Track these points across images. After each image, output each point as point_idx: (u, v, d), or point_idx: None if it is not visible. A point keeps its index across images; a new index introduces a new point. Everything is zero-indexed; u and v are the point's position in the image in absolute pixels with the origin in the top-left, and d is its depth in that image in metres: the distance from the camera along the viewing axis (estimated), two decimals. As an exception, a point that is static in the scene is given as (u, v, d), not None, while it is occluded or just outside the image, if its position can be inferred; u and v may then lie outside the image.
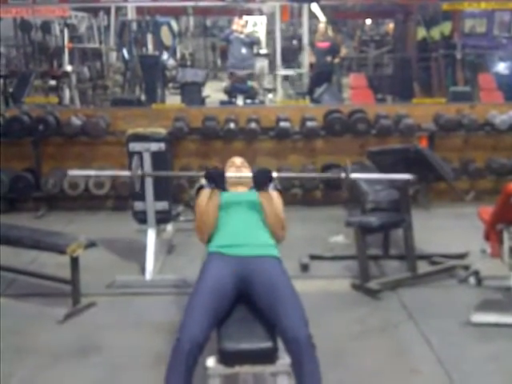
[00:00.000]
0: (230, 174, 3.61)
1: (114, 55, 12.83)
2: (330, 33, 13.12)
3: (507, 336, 3.97)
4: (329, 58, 12.12)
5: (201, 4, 10.96)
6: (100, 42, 13.66)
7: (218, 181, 3.38)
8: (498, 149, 7.08)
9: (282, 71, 11.86)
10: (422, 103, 7.64)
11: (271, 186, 3.90)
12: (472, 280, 4.35)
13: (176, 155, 6.72)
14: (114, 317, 4.35)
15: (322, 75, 11.77)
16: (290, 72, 12.70)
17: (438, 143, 6.92)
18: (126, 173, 3.88)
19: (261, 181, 3.39)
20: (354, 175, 3.79)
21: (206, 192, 3.52)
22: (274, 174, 3.48)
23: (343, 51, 12.91)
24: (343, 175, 3.71)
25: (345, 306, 4.49)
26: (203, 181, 4.04)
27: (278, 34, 11.73)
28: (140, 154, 4.90)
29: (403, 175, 4.24)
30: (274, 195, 3.55)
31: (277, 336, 2.88)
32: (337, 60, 12.41)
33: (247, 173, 3.65)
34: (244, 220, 3.40)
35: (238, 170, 3.75)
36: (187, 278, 4.66)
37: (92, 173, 4.74)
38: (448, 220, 6.35)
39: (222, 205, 3.49)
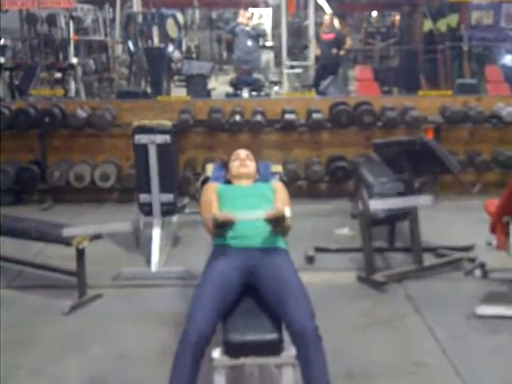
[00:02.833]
0: (240, 217, 3.21)
1: (119, 48, 12.85)
2: (336, 25, 13.07)
3: (513, 328, 3.97)
4: (334, 50, 12.09)
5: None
6: (105, 35, 13.69)
7: (225, 230, 3.21)
8: (504, 141, 7.06)
9: (288, 64, 11.86)
10: (428, 95, 7.61)
11: (276, 177, 3.90)
12: (478, 272, 4.33)
13: (181, 147, 6.72)
14: (119, 308, 4.36)
15: (328, 67, 11.75)
16: (297, 70, 12.64)
17: (444, 135, 6.89)
18: (126, 227, 3.68)
19: (275, 224, 3.20)
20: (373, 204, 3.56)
21: (209, 185, 3.48)
22: (287, 213, 3.13)
23: (348, 43, 12.85)
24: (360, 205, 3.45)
25: (350, 299, 4.49)
26: (208, 173, 4.06)
27: (283, 27, 11.72)
28: (145, 146, 4.92)
29: (425, 198, 4.21)
30: (280, 186, 3.53)
31: (282, 328, 2.88)
32: (342, 52, 12.36)
33: (259, 211, 3.26)
34: (250, 212, 3.39)
35: (242, 162, 3.74)
36: (193, 270, 4.67)
37: (90, 230, 4.48)
38: (454, 212, 6.34)
39: (226, 198, 3.49)
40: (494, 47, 11.79)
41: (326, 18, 12.63)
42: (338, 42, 12.28)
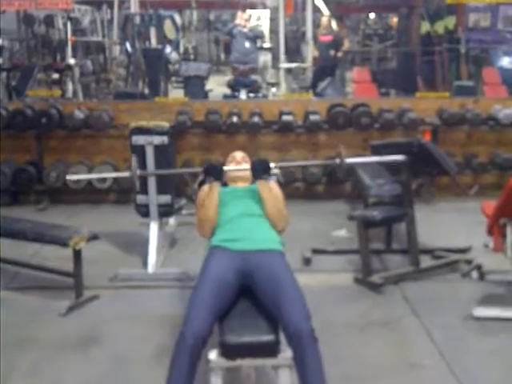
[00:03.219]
0: (229, 167, 3.66)
1: (117, 49, 12.82)
2: (334, 26, 13.07)
3: (509, 330, 3.97)
4: (332, 52, 12.09)
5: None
6: (103, 36, 13.67)
7: (216, 174, 3.42)
8: (501, 143, 7.07)
9: (285, 65, 11.84)
10: (425, 97, 7.63)
11: (273, 178, 3.90)
12: (475, 274, 4.34)
13: (179, 149, 6.72)
14: (116, 310, 4.35)
15: (325, 69, 11.75)
16: (293, 65, 12.65)
17: (441, 137, 6.90)
18: (126, 174, 4.00)
19: (258, 169, 3.41)
20: (348, 160, 3.83)
21: (205, 187, 3.52)
22: (272, 165, 3.50)
23: (346, 44, 12.85)
24: (338, 161, 3.74)
25: (347, 300, 4.49)
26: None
27: (281, 28, 11.72)
28: (142, 147, 4.91)
29: (396, 156, 4.31)
30: (274, 185, 3.55)
31: (279, 329, 2.88)
32: (340, 54, 12.37)
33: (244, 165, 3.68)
34: (246, 214, 3.40)
35: (238, 165, 3.74)
36: (190, 272, 4.67)
37: (91, 176, 4.73)
38: (451, 214, 6.34)
39: (222, 200, 3.49)
40: (492, 49, 11.80)
41: (324, 19, 12.64)
42: (336, 43, 12.29)
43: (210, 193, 3.43)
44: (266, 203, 3.42)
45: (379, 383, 3.44)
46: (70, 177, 4.57)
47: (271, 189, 3.46)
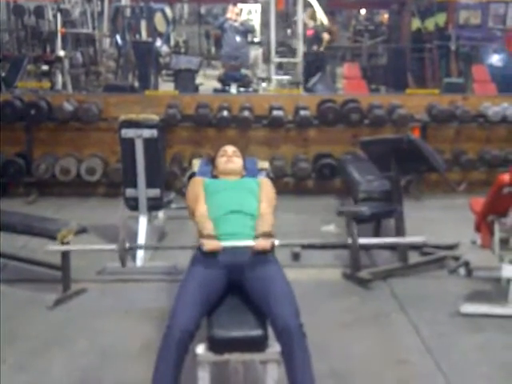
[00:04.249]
0: (227, 243, 3.15)
1: (107, 41, 12.78)
2: (322, 21, 13.10)
3: (496, 326, 3.99)
4: (315, 47, 12.13)
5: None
6: (93, 28, 13.58)
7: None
8: (490, 140, 7.10)
9: (276, 60, 11.84)
10: (415, 94, 7.65)
11: (263, 174, 3.90)
12: (462, 271, 4.36)
13: (169, 142, 6.71)
14: (104, 303, 4.35)
15: (312, 64, 11.78)
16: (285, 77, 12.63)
17: (430, 134, 6.92)
18: (112, 247, 3.46)
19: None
20: (361, 241, 3.42)
21: (196, 179, 3.45)
22: (276, 243, 3.18)
23: (325, 37, 12.85)
24: (350, 240, 3.39)
25: (335, 295, 4.50)
26: (195, 168, 4.04)
27: (272, 23, 11.69)
28: (131, 141, 4.90)
29: (418, 238, 4.10)
30: (268, 188, 3.51)
31: (267, 324, 2.88)
32: (322, 48, 12.44)
33: (247, 241, 3.19)
34: (235, 209, 3.38)
35: (229, 158, 3.73)
36: (178, 266, 4.66)
37: (75, 248, 4.34)
38: (439, 211, 6.37)
39: (213, 192, 3.48)
40: (482, 47, 11.84)
41: (305, 14, 12.69)
42: (318, 38, 12.37)
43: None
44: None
45: (367, 379, 3.45)
46: (50, 248, 4.12)
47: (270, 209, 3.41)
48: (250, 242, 3.12)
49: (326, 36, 12.82)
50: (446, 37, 12.02)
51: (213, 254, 3.12)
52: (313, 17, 12.76)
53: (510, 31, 12.37)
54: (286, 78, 12.59)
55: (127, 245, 3.44)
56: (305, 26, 12.39)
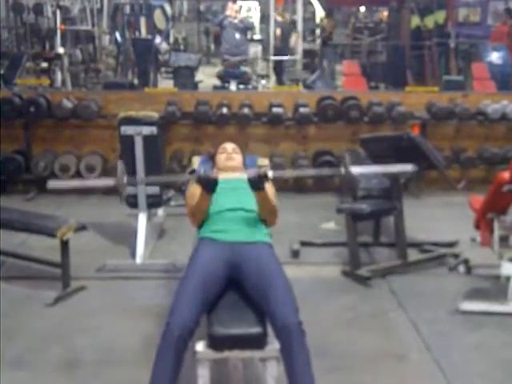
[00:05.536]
0: (222, 177, 3.32)
1: (106, 38, 12.77)
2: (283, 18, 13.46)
3: (495, 324, 3.99)
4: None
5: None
6: (93, 25, 13.59)
7: (210, 188, 3.23)
8: (489, 138, 7.10)
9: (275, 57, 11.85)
10: (414, 91, 7.64)
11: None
12: (462, 268, 4.36)
13: (168, 140, 6.70)
14: (103, 300, 4.34)
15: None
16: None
17: (430, 131, 6.92)
18: (110, 181, 3.51)
19: (256, 183, 3.25)
20: (354, 170, 3.61)
21: (196, 190, 3.42)
22: (270, 174, 3.26)
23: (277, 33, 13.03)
24: (343, 170, 3.53)
25: (335, 293, 4.50)
26: (195, 166, 4.04)
27: (271, 20, 11.69)
28: (131, 138, 4.89)
29: (405, 166, 4.15)
30: (269, 190, 3.49)
31: (266, 321, 2.88)
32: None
33: (241, 173, 3.40)
34: (235, 206, 3.38)
35: (229, 156, 3.73)
36: (177, 263, 4.66)
37: (74, 183, 4.46)
38: (438, 208, 6.37)
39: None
40: (481, 44, 11.83)
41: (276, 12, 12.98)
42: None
43: (201, 201, 3.34)
44: (261, 209, 3.36)
45: (365, 376, 3.45)
46: (52, 184, 4.31)
47: (268, 197, 3.34)
48: (244, 174, 3.22)
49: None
50: (446, 34, 12.00)
51: (211, 239, 3.20)
52: (282, 14, 13.22)
53: (497, 27, 12.38)
54: (285, 58, 12.76)
55: (125, 179, 3.45)
56: (276, 22, 12.63)
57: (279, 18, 13.07)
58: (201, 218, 3.40)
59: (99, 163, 6.64)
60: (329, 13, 15.60)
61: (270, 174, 3.23)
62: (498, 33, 11.89)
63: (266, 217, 3.39)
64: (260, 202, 3.32)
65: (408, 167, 3.96)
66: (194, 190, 3.47)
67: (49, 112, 6.73)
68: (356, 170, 3.70)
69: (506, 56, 10.99)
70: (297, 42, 11.90)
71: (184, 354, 2.79)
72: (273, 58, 11.70)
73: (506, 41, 11.43)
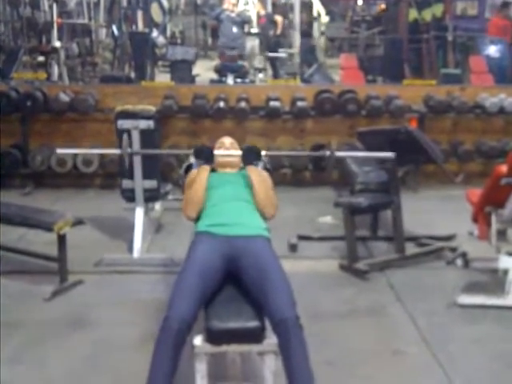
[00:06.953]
0: (219, 151, 3.57)
1: (103, 32, 12.72)
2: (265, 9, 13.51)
3: (493, 318, 4.00)
4: (271, 32, 12.67)
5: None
6: (89, 18, 13.51)
7: (206, 157, 3.37)
8: (487, 131, 7.10)
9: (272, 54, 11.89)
10: (412, 85, 7.64)
11: (261, 165, 3.88)
12: (459, 262, 4.36)
13: (165, 133, 6.68)
14: (101, 295, 4.34)
15: (269, 50, 12.41)
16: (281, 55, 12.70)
17: (427, 125, 6.91)
18: (116, 151, 3.82)
19: (249, 156, 3.36)
20: (338, 153, 3.79)
21: (194, 170, 3.50)
22: (263, 152, 3.44)
23: (279, 20, 12.94)
24: (328, 153, 3.69)
25: (332, 287, 4.50)
26: (192, 159, 4.03)
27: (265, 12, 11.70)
28: (128, 131, 4.88)
29: (386, 153, 4.26)
30: (263, 172, 3.53)
31: (264, 316, 2.87)
32: (278, 32, 12.86)
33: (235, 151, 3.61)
34: (233, 200, 3.38)
35: (227, 151, 3.72)
36: (175, 257, 4.66)
37: (81, 151, 4.71)
38: (436, 202, 6.37)
39: (210, 185, 3.47)
40: (479, 38, 11.81)
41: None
42: (271, 23, 12.83)
43: (198, 175, 3.41)
44: (255, 187, 3.39)
45: (364, 370, 3.45)
46: (60, 150, 4.57)
47: (261, 174, 3.45)
48: (238, 152, 3.45)
49: (278, 19, 12.94)
50: (443, 27, 11.97)
51: (209, 233, 3.20)
52: (263, 6, 13.26)
53: (492, 20, 12.37)
54: (282, 55, 12.78)
55: (129, 150, 4.01)
56: (258, 15, 12.78)
57: (261, 11, 13.10)
58: (196, 207, 3.38)
59: (96, 157, 6.62)
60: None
61: (263, 152, 3.43)
62: (495, 26, 11.86)
63: (261, 202, 3.38)
64: (253, 181, 3.36)
65: (389, 154, 4.04)
66: (192, 175, 3.50)
67: (45, 106, 6.72)
68: (340, 153, 3.85)
69: (503, 49, 10.97)
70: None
71: (182, 348, 2.79)
72: (270, 54, 11.77)
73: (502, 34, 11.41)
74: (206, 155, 3.41)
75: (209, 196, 3.41)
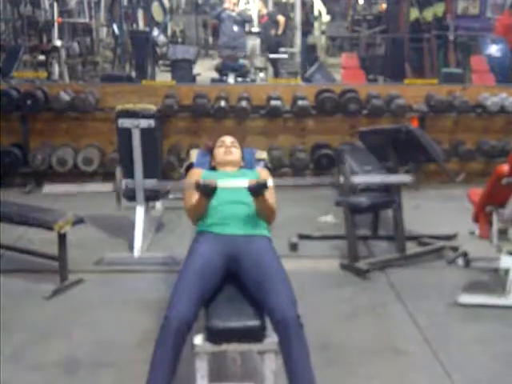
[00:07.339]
0: (222, 183, 3.28)
1: (104, 31, 12.71)
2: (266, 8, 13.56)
3: (494, 317, 3.99)
4: (273, 31, 12.52)
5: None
6: (90, 17, 13.51)
7: (208, 194, 3.23)
8: (488, 131, 7.10)
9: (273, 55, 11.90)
10: (413, 84, 7.62)
11: (261, 164, 3.88)
12: (460, 261, 4.36)
13: (166, 133, 6.69)
14: (101, 294, 4.34)
15: (270, 48, 12.35)
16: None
17: (428, 124, 6.91)
18: (108, 188, 3.54)
19: (256, 190, 3.23)
20: (356, 179, 3.61)
21: (196, 170, 3.46)
22: (270, 182, 3.21)
23: (281, 20, 12.91)
24: (342, 180, 3.52)
25: (333, 286, 4.49)
26: (192, 159, 4.02)
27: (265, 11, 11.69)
28: (128, 130, 4.87)
29: (404, 177, 4.19)
30: (270, 194, 3.44)
31: (265, 315, 2.87)
32: (280, 31, 12.69)
33: (241, 180, 3.34)
34: (234, 199, 3.37)
35: (227, 149, 3.71)
36: (175, 256, 4.65)
37: (72, 188, 4.46)
38: (437, 201, 6.37)
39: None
40: (480, 37, 11.80)
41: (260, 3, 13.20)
42: (272, 23, 12.71)
43: (199, 205, 3.33)
44: (258, 212, 3.33)
45: (364, 369, 3.45)
46: (47, 189, 4.36)
47: (266, 202, 3.30)
48: (244, 182, 3.20)
49: (281, 19, 12.92)
50: (445, 27, 11.97)
51: (210, 232, 3.19)
52: (264, 4, 13.31)
53: (499, 19, 12.34)
54: (284, 56, 12.69)
55: (123, 183, 3.55)
56: (259, 13, 12.89)
57: (263, 10, 13.11)
58: (199, 217, 3.37)
59: (97, 156, 6.62)
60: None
61: (270, 182, 3.21)
62: (502, 24, 11.80)
63: (262, 218, 3.36)
64: (258, 207, 3.30)
65: (407, 178, 3.99)
66: (194, 175, 3.47)
67: (46, 105, 6.72)
68: (357, 179, 3.71)
69: (505, 49, 10.96)
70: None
71: (182, 347, 2.79)
72: (271, 56, 11.78)
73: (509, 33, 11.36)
74: (208, 192, 3.22)
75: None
